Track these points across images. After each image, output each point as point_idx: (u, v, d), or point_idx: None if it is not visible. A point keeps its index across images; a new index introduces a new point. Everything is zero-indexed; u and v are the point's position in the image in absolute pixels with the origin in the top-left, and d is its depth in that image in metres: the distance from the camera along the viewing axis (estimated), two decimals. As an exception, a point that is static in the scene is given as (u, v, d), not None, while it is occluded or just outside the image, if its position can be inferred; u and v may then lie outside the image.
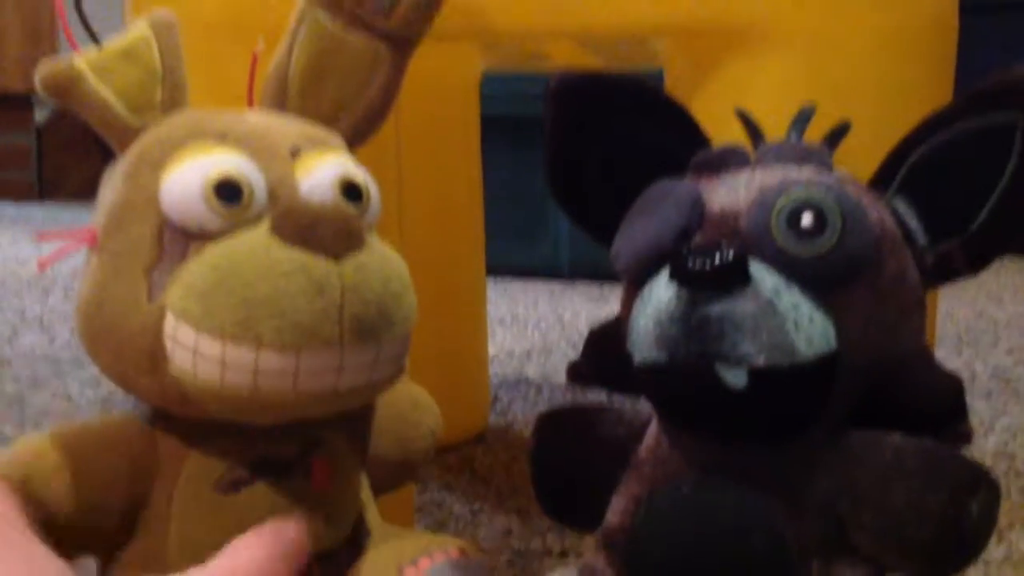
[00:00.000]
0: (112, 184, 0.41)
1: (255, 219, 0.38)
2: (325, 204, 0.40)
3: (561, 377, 1.11)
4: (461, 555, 0.42)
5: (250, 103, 0.45)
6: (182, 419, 0.40)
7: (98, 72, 0.41)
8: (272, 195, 0.39)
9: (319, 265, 0.37)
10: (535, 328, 1.42)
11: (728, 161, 0.41)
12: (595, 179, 0.44)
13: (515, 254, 1.89)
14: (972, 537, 0.37)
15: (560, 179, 0.44)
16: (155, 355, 0.38)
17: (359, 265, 0.37)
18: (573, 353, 1.23)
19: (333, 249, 0.37)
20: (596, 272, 1.85)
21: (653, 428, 0.43)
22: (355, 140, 0.45)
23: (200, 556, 0.40)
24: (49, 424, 0.39)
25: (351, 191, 0.41)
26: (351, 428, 0.43)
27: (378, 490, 0.46)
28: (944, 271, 0.40)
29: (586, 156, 0.44)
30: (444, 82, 0.87)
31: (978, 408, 0.94)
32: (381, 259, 0.39)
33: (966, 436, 0.40)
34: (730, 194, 0.39)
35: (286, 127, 0.42)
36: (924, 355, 0.40)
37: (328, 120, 0.44)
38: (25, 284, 1.79)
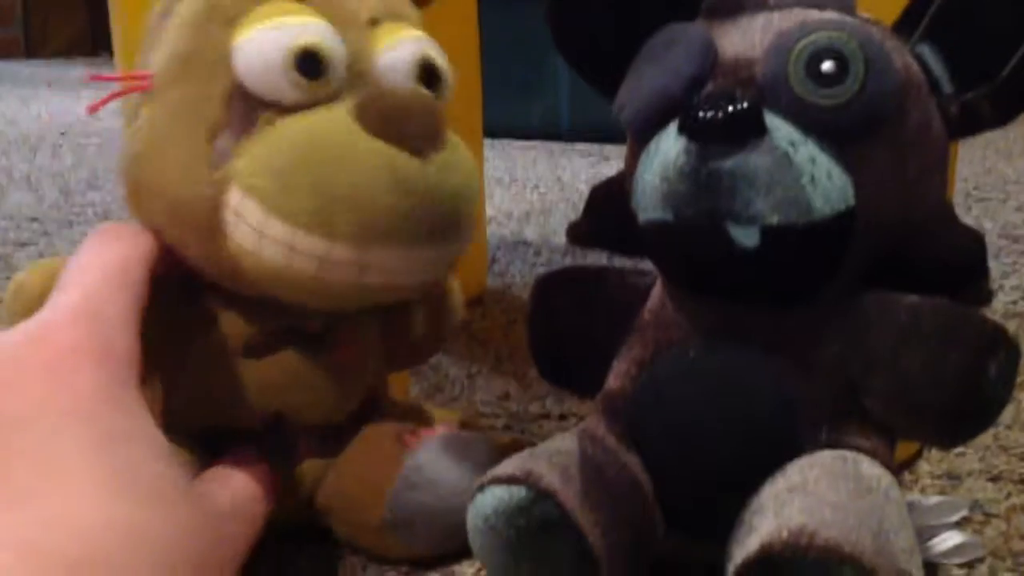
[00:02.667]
0: (175, 28, 0.38)
1: (334, 94, 0.37)
2: (412, 94, 0.38)
3: (560, 239, 1.09)
4: (462, 428, 0.42)
5: None
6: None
7: None
8: (351, 69, 0.38)
9: (404, 163, 0.36)
10: (533, 189, 1.40)
11: (743, 3, 0.38)
12: (601, 23, 0.41)
13: (514, 114, 1.86)
14: (989, 401, 0.37)
15: (563, 24, 0.42)
16: (213, 227, 0.37)
17: (442, 165, 0.37)
18: (573, 214, 1.21)
19: (419, 146, 0.36)
20: (596, 133, 1.82)
21: (657, 290, 0.41)
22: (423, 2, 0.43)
23: (213, 416, 0.39)
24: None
25: (430, 75, 0.40)
26: (381, 310, 0.42)
27: (394, 367, 0.46)
28: (970, 122, 0.38)
29: (592, 1, 0.41)
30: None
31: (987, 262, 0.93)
32: (460, 160, 0.38)
33: (986, 296, 0.38)
34: (745, 39, 0.37)
35: None
36: (946, 212, 0.39)
37: None
38: (11, 143, 1.77)
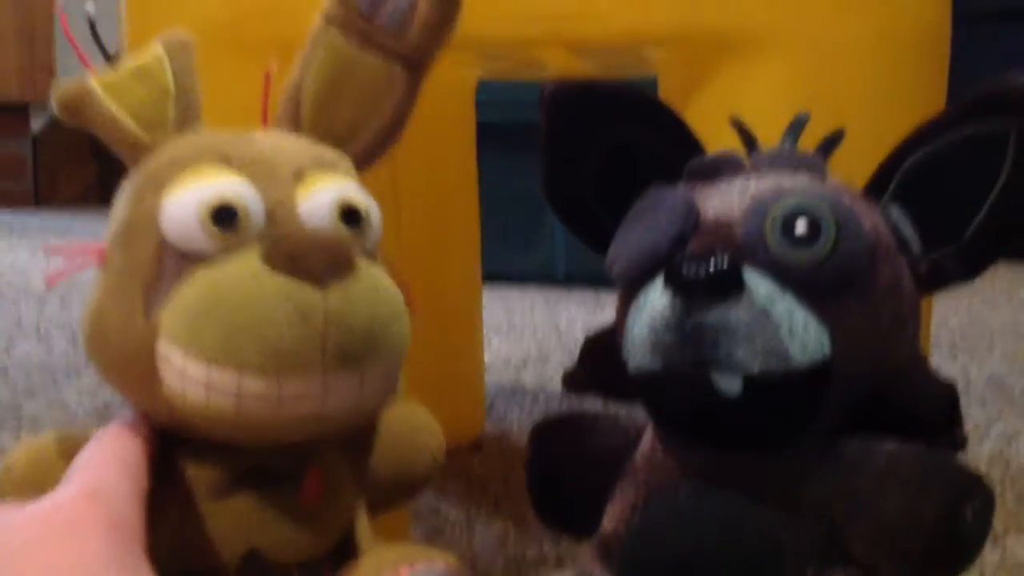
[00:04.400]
0: (121, 202, 0.42)
1: (251, 242, 0.39)
2: (316, 231, 0.40)
3: (557, 385, 1.10)
4: (444, 566, 0.42)
5: (264, 122, 0.45)
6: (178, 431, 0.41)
7: (110, 91, 0.41)
8: (270, 218, 0.40)
9: (304, 292, 0.37)
10: (531, 335, 1.42)
11: (722, 168, 0.41)
12: (591, 187, 0.44)
13: (511, 261, 1.89)
14: (967, 544, 0.38)
15: (556, 187, 0.45)
16: (149, 372, 0.39)
17: (345, 293, 0.38)
18: (569, 360, 1.22)
19: (319, 277, 0.37)
20: (592, 279, 1.84)
21: (648, 435, 0.43)
22: (366, 161, 0.45)
23: (190, 560, 0.40)
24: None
25: (350, 215, 0.41)
26: (348, 446, 0.44)
27: (376, 508, 0.46)
28: (938, 278, 0.40)
29: (582, 164, 0.44)
30: (440, 88, 0.87)
31: (973, 414, 0.94)
32: (370, 287, 0.39)
33: (961, 443, 0.40)
34: (724, 201, 0.39)
35: (294, 148, 0.43)
36: (919, 362, 0.40)
37: (341, 141, 0.45)
38: (22, 292, 1.79)
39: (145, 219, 0.40)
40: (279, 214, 0.40)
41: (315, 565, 0.42)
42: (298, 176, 0.41)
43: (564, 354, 1.28)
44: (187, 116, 0.42)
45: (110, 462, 0.37)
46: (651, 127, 0.44)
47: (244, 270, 0.38)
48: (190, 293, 0.38)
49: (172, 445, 0.41)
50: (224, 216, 0.39)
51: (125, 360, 0.40)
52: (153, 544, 0.41)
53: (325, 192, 0.41)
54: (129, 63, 0.42)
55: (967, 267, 0.40)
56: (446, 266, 0.90)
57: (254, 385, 0.37)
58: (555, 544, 0.62)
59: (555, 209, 0.45)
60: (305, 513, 0.42)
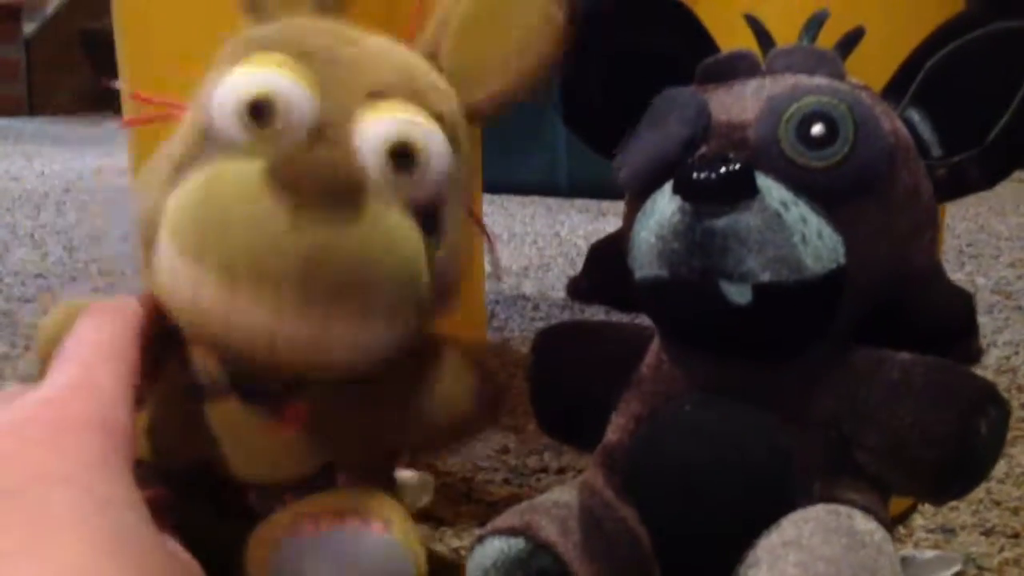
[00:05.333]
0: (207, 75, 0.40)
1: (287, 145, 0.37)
2: (332, 156, 0.37)
3: (558, 294, 1.10)
4: (356, 526, 0.39)
5: (411, 34, 0.43)
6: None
7: None
8: (319, 131, 0.38)
9: (288, 216, 0.35)
10: (532, 244, 1.41)
11: (736, 68, 0.39)
12: (602, 92, 0.42)
13: (512, 171, 1.87)
14: (980, 458, 0.37)
15: (568, 92, 0.43)
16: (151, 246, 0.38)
17: (335, 230, 0.35)
18: (570, 269, 1.22)
19: (312, 203, 0.35)
20: (594, 189, 1.83)
21: (654, 345, 0.42)
22: (496, 109, 0.43)
23: (164, 456, 0.40)
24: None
25: (403, 157, 0.38)
26: (350, 392, 0.41)
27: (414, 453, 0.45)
28: (958, 184, 0.39)
29: (593, 69, 0.42)
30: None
31: (980, 323, 0.94)
32: (371, 231, 0.36)
33: (976, 354, 0.39)
34: (738, 103, 0.38)
35: (395, 64, 0.40)
36: (935, 271, 0.39)
37: (472, 80, 0.42)
38: (16, 199, 1.78)
39: (205, 93, 0.39)
40: (330, 128, 0.38)
41: (272, 488, 0.41)
42: (376, 95, 0.39)
43: (565, 262, 1.28)
44: (324, 5, 0.41)
45: (98, 349, 0.36)
46: (663, 27, 0.42)
47: (244, 173, 0.36)
48: (192, 181, 0.37)
49: (173, 340, 0.40)
50: (261, 110, 0.37)
51: (145, 226, 0.39)
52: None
53: (387, 123, 0.38)
54: None
55: (988, 172, 0.39)
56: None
57: (210, 285, 0.36)
58: (557, 455, 0.62)
59: (564, 113, 0.43)
60: (273, 437, 0.40)
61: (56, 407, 0.33)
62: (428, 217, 0.39)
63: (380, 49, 0.40)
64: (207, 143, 0.38)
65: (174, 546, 0.35)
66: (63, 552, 0.28)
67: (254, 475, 0.41)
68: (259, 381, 0.40)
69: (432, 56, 0.42)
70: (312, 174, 0.36)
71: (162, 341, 0.40)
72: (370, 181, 0.37)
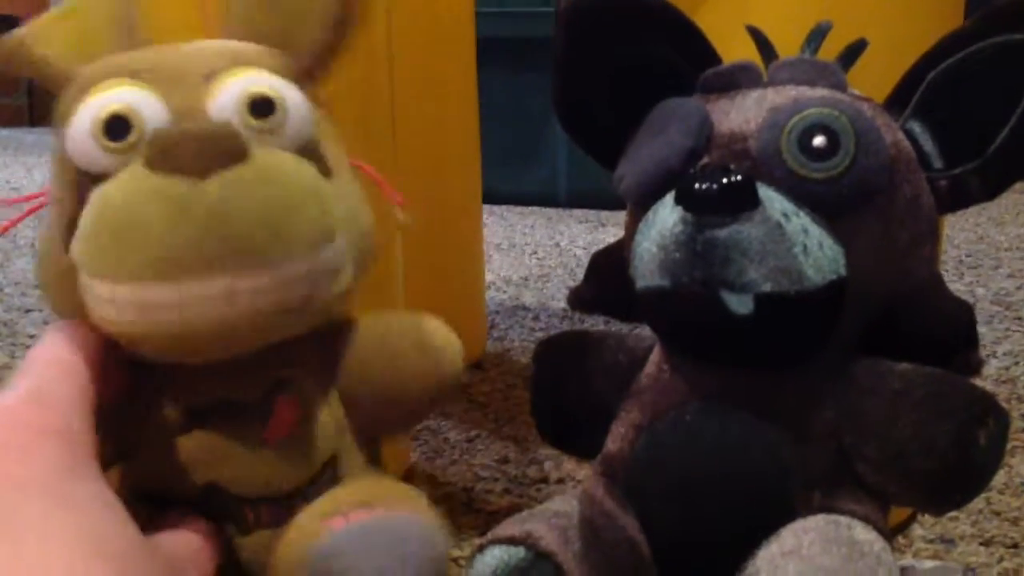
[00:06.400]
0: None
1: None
2: (195, 125, 0.37)
3: (558, 303, 1.10)
4: (400, 512, 0.39)
5: (207, 34, 0.43)
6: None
7: (40, 34, 0.40)
8: (179, 124, 0.37)
9: (177, 187, 0.35)
10: (532, 255, 1.41)
11: (738, 79, 0.39)
12: (603, 102, 0.42)
13: (512, 182, 1.87)
14: (979, 468, 0.37)
15: (569, 103, 0.43)
16: (81, 307, 0.38)
17: (229, 181, 0.35)
18: (570, 280, 1.22)
19: (194, 167, 0.35)
20: (593, 200, 1.84)
21: (655, 355, 0.42)
22: (317, 65, 0.42)
23: (158, 489, 0.40)
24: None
25: (259, 105, 0.38)
26: (323, 369, 0.42)
27: (379, 431, 0.45)
28: (959, 196, 0.39)
29: (595, 79, 0.43)
30: (438, 2, 0.85)
31: (979, 333, 0.94)
32: (261, 171, 0.36)
33: (976, 366, 0.39)
34: (739, 114, 0.38)
35: (214, 51, 0.40)
36: (936, 283, 0.39)
37: (279, 44, 0.42)
38: (17, 210, 1.77)
39: (60, 150, 0.38)
40: (187, 120, 0.38)
41: (284, 499, 0.41)
42: (209, 78, 0.39)
43: (565, 273, 1.28)
44: (131, 43, 0.41)
45: (52, 365, 0.36)
46: (666, 37, 0.42)
47: (127, 178, 0.36)
48: (87, 214, 0.37)
49: (144, 376, 0.40)
50: (116, 127, 0.37)
51: (63, 296, 0.39)
52: (125, 473, 0.40)
53: (232, 86, 0.39)
54: (61, 5, 0.41)
55: (989, 185, 0.39)
56: (446, 185, 0.89)
57: (152, 293, 0.35)
58: (557, 465, 0.62)
59: (564, 123, 0.43)
60: (268, 447, 0.40)
61: (14, 415, 0.33)
62: (309, 157, 0.39)
63: (198, 47, 0.41)
64: (80, 188, 0.37)
65: (174, 542, 0.35)
66: (33, 555, 0.29)
67: (258, 490, 0.40)
68: (235, 397, 0.40)
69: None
70: (182, 142, 0.36)
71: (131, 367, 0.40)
72: (242, 132, 0.37)
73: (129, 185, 0.36)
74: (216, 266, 0.35)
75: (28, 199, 0.41)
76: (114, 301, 0.36)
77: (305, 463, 0.41)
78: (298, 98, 0.40)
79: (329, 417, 0.42)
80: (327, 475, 0.42)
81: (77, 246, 0.37)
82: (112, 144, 0.37)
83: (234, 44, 0.41)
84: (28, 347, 0.91)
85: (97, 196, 0.36)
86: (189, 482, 0.40)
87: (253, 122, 0.38)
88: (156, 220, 0.35)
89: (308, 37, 0.42)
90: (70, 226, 0.38)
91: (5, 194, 1.96)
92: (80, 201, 0.37)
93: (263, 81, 0.39)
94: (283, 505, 0.41)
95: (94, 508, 0.32)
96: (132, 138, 0.37)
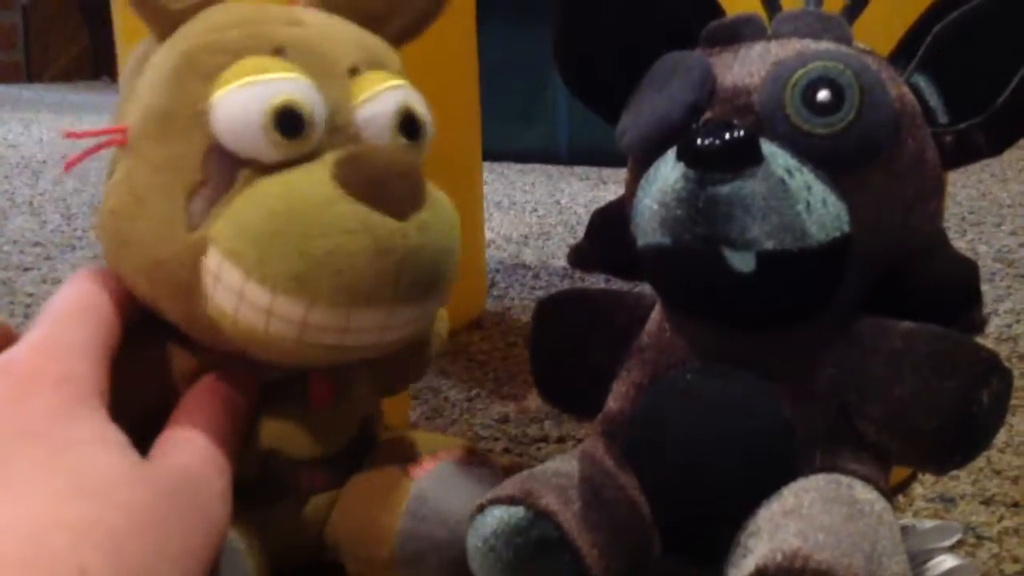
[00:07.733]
0: (151, 81, 0.38)
1: (313, 152, 0.37)
2: (392, 154, 0.38)
3: (558, 262, 1.10)
4: (465, 455, 0.42)
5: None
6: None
7: None
8: (331, 123, 0.37)
9: (384, 225, 0.35)
10: (532, 212, 1.41)
11: (742, 32, 0.39)
12: (604, 55, 0.42)
13: (512, 138, 1.87)
14: (981, 427, 0.37)
15: (570, 57, 0.42)
16: (191, 288, 0.37)
17: (423, 225, 0.36)
18: (571, 237, 1.22)
19: (399, 208, 0.36)
20: (594, 157, 1.83)
21: (656, 313, 0.42)
22: (398, 43, 0.43)
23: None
24: (38, 310, 0.38)
25: (410, 125, 0.39)
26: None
27: (386, 391, 0.45)
28: (964, 152, 0.38)
29: (596, 31, 0.42)
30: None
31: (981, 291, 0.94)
32: (443, 217, 0.38)
33: (980, 324, 0.39)
34: (742, 68, 0.37)
35: (343, 36, 0.40)
36: (940, 240, 0.39)
37: (377, 20, 0.42)
38: (14, 167, 1.77)
39: (189, 111, 0.37)
40: (338, 120, 0.37)
41: (336, 457, 0.42)
42: (353, 72, 0.39)
43: (566, 231, 1.27)
44: None
45: (72, 313, 0.37)
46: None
47: (317, 192, 0.35)
48: (255, 209, 0.35)
49: (183, 359, 0.40)
50: (289, 122, 0.36)
51: (160, 270, 0.37)
52: None
53: (385, 97, 0.39)
54: None
55: (995, 140, 0.38)
56: (445, 142, 0.88)
57: (322, 317, 0.35)
58: (557, 424, 0.62)
59: (565, 77, 0.43)
60: (314, 413, 0.41)
61: (14, 364, 0.34)
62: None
63: (318, 22, 0.40)
64: (215, 165, 0.36)
65: (149, 463, 0.35)
66: (20, 502, 0.30)
67: (307, 454, 0.41)
68: (275, 378, 0.40)
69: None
70: (389, 177, 0.36)
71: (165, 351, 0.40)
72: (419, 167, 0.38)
73: (327, 206, 0.35)
74: (395, 300, 0.36)
75: (99, 133, 0.39)
76: (271, 311, 0.35)
77: (347, 424, 0.43)
78: (430, 117, 0.41)
79: (360, 385, 0.43)
80: (366, 435, 0.43)
81: (233, 237, 0.35)
82: (286, 141, 0.36)
83: (352, 30, 0.41)
84: (27, 305, 0.92)
85: (275, 196, 0.35)
86: (252, 449, 0.40)
87: (403, 141, 0.39)
88: (361, 253, 0.35)
89: (405, 18, 0.43)
90: (191, 199, 0.36)
91: (2, 152, 1.95)
92: (213, 179, 0.36)
93: (413, 98, 0.40)
94: (334, 467, 0.42)
95: (86, 449, 0.32)
96: (306, 136, 0.36)
